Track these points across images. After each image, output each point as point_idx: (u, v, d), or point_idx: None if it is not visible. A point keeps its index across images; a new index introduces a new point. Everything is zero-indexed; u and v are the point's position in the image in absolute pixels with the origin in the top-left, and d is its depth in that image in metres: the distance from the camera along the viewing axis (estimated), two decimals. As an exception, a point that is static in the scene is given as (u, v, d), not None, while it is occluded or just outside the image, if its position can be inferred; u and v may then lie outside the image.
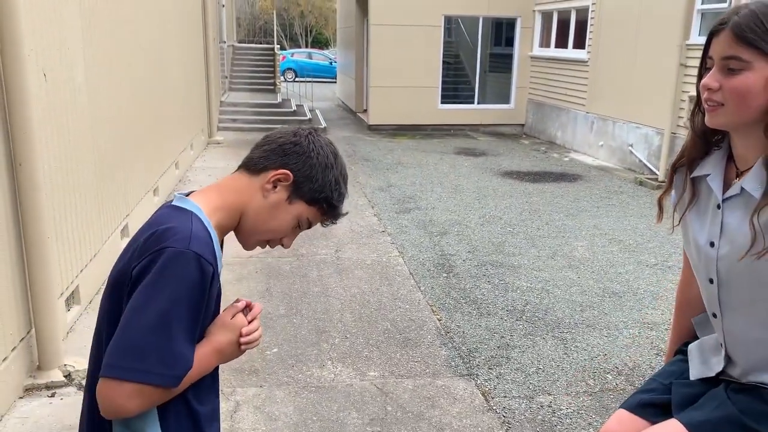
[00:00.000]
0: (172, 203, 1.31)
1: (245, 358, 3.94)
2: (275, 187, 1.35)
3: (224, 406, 3.41)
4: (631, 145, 10.66)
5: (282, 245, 1.43)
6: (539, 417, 3.43)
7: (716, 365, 1.64)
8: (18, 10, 3.14)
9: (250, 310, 1.42)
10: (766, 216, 1.40)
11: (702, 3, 9.09)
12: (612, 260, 6.01)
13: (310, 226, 1.43)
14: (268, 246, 1.44)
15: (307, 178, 1.35)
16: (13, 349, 3.28)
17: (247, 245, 1.43)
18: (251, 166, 1.37)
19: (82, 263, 4.27)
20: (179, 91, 8.76)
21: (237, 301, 1.42)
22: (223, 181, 1.39)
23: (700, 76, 1.48)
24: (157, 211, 1.33)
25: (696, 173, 1.60)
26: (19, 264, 3.39)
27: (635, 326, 4.58)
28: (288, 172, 1.34)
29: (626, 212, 7.83)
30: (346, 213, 1.46)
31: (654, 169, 9.88)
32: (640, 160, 10.36)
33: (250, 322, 1.38)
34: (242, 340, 1.36)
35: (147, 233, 1.23)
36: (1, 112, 3.19)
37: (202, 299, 1.20)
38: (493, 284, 5.34)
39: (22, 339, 3.40)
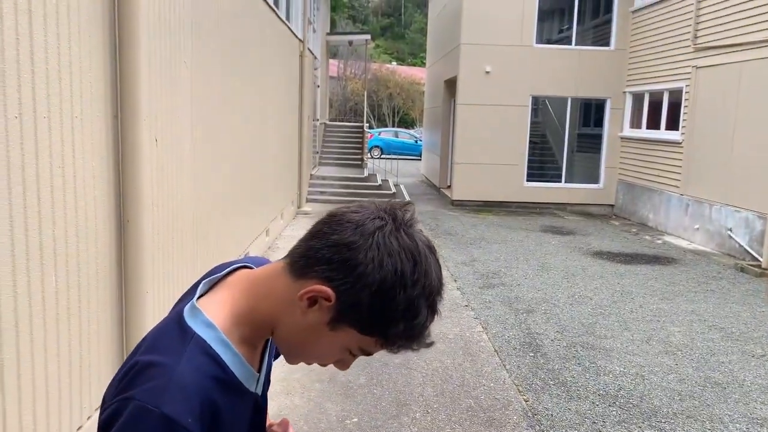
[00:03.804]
0: (184, 310, 1.01)
1: (325, 426, 3.88)
2: (314, 304, 0.96)
3: (302, 474, 3.34)
4: (730, 230, 10.13)
5: (336, 367, 1.08)
6: None
7: None
8: (140, 80, 3.41)
9: None
10: None
11: (807, 84, 8.75)
12: (713, 348, 5.61)
13: (369, 354, 1.02)
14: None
15: (355, 303, 0.94)
16: (105, 400, 3.37)
17: (288, 361, 1.08)
18: (296, 264, 0.98)
19: (175, 321, 4.40)
20: (275, 164, 9.16)
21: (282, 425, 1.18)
22: (261, 276, 1.04)
23: None
24: (170, 312, 1.07)
25: None
26: (119, 316, 3.53)
27: (742, 421, 4.20)
28: (328, 290, 0.94)
29: (727, 299, 7.35)
30: (431, 344, 1.01)
31: (757, 255, 9.30)
32: (741, 245, 9.80)
33: None
34: None
35: (131, 361, 0.96)
36: (115, 171, 3.42)
37: None
38: (583, 366, 5.07)
39: (115, 390, 3.50)
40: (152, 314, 3.86)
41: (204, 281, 1.07)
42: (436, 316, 0.99)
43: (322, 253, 0.95)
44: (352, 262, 0.93)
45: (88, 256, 3.12)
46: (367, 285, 0.92)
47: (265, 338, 1.06)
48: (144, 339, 1.02)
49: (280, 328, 1.01)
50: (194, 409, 0.90)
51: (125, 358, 3.47)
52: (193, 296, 1.04)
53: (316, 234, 0.98)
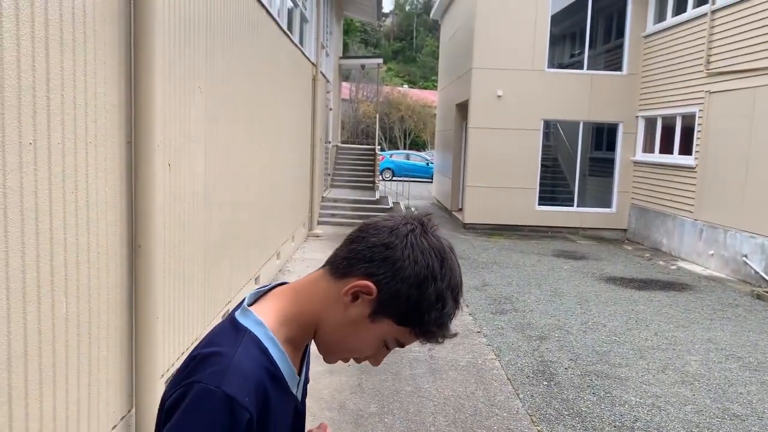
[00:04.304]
0: (235, 314, 1.13)
1: (335, 456, 3.81)
2: (356, 299, 1.09)
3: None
4: (746, 256, 10.00)
5: (371, 362, 1.19)
6: None
7: None
8: (154, 106, 3.43)
9: None
10: None
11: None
12: (730, 378, 5.50)
13: (402, 346, 1.15)
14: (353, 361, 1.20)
15: (394, 294, 1.07)
16: (113, 428, 3.34)
17: (327, 359, 1.19)
18: (334, 267, 1.13)
19: (184, 346, 4.37)
20: (287, 187, 9.18)
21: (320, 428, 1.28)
22: (302, 284, 1.17)
23: None
24: (222, 321, 1.17)
25: None
26: (128, 341, 3.51)
27: (764, 455, 4.09)
28: (371, 284, 1.07)
29: (743, 327, 7.22)
30: (455, 334, 1.16)
31: (774, 282, 9.17)
32: (757, 272, 9.66)
33: None
34: None
35: (192, 354, 1.06)
36: (128, 196, 3.42)
37: None
38: (598, 396, 4.98)
39: (123, 417, 3.46)
40: (162, 340, 3.83)
41: (249, 294, 1.17)
42: (459, 309, 1.14)
43: (363, 254, 1.09)
44: (391, 259, 1.07)
45: (99, 282, 3.11)
46: (404, 278, 1.06)
47: (308, 340, 1.16)
48: (201, 341, 1.11)
49: (324, 327, 1.12)
50: (250, 392, 1.00)
51: (134, 383, 3.44)
52: (241, 305, 1.14)
53: (355, 239, 1.13)
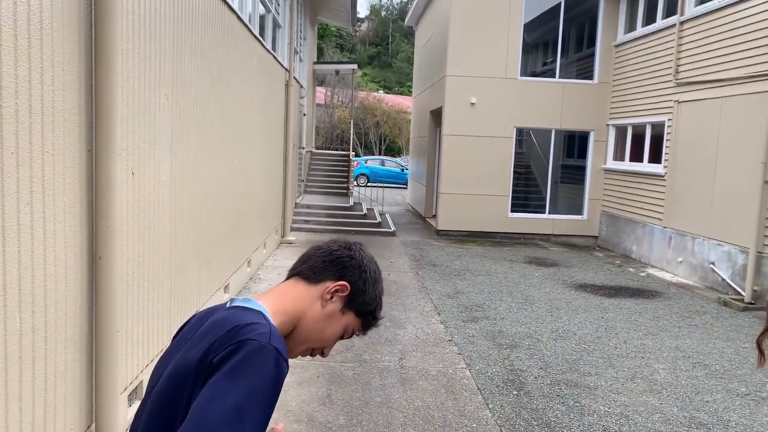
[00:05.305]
0: (237, 305, 1.33)
1: (301, 471, 3.75)
2: (332, 297, 1.39)
3: None
4: (713, 263, 10.16)
5: (321, 354, 1.46)
6: None
7: None
8: (116, 114, 3.34)
9: None
10: None
11: (786, 120, 8.85)
12: (697, 386, 5.56)
13: (351, 336, 1.47)
14: (309, 356, 1.46)
15: (360, 291, 1.41)
16: (71, 444, 3.24)
17: (294, 353, 1.42)
18: (309, 275, 1.41)
19: (148, 358, 4.27)
20: (259, 194, 9.08)
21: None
22: (280, 288, 1.42)
23: None
24: (221, 311, 1.32)
25: None
26: (88, 356, 3.41)
27: (729, 465, 4.12)
28: (347, 283, 1.39)
29: (711, 334, 7.32)
30: (381, 319, 1.55)
31: (739, 290, 9.31)
32: (724, 279, 9.82)
33: None
34: None
35: (227, 327, 1.22)
36: (89, 206, 3.33)
37: (275, 397, 1.19)
38: (567, 406, 4.98)
39: (82, 434, 3.36)
40: (124, 353, 3.74)
41: (233, 297, 1.38)
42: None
43: (334, 263, 1.41)
44: (356, 265, 1.42)
45: (56, 295, 3.02)
46: (366, 279, 1.42)
47: (286, 333, 1.36)
48: (211, 323, 1.27)
49: (305, 321, 1.38)
50: (286, 352, 1.23)
51: (94, 398, 3.33)
52: (231, 302, 1.35)
53: (318, 255, 1.43)
